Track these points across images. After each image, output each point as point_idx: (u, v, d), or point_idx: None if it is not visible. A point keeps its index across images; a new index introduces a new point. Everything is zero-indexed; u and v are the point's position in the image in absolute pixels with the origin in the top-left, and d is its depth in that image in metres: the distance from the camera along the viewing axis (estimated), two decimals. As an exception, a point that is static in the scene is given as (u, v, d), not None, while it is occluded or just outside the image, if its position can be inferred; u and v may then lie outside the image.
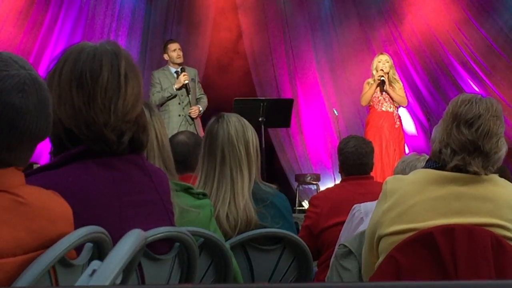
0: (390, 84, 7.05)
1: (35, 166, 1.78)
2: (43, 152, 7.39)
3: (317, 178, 8.33)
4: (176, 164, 2.27)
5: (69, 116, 1.63)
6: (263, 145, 6.97)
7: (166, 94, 6.87)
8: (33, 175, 1.59)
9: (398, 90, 7.08)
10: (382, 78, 6.97)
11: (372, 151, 3.63)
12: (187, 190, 2.25)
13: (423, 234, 1.99)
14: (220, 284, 2.17)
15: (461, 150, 2.02)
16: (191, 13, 9.06)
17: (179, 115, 6.89)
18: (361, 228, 2.65)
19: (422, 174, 2.11)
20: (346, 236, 2.84)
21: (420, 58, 8.93)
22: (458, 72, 8.80)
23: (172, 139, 3.04)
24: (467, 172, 2.03)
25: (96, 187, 1.62)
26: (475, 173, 2.03)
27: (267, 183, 2.69)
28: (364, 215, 2.80)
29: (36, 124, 1.36)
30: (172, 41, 7.33)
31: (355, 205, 2.93)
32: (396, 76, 7.19)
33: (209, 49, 8.99)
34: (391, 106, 7.07)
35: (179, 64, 7.05)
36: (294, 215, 6.50)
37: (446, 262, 1.96)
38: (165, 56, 7.11)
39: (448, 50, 8.80)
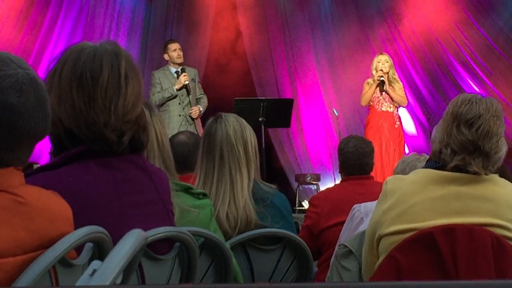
0: (390, 84, 7.06)
1: (35, 166, 1.78)
2: (43, 152, 7.39)
3: (317, 178, 8.33)
4: (176, 164, 2.27)
5: (69, 116, 1.63)
6: (263, 145, 6.97)
7: (167, 95, 6.87)
8: (33, 175, 1.59)
9: (398, 90, 7.09)
10: (382, 78, 6.97)
11: (372, 151, 3.63)
12: (187, 190, 2.25)
13: (423, 234, 1.99)
14: (220, 284, 2.17)
15: (461, 150, 2.03)
16: (191, 13, 9.06)
17: (180, 115, 6.89)
18: (361, 228, 2.65)
19: (422, 174, 2.11)
20: (346, 236, 2.84)
21: (420, 58, 8.93)
22: (458, 72, 8.80)
23: (172, 139, 3.04)
24: (467, 172, 2.04)
25: (96, 187, 1.62)
26: (475, 173, 2.03)
27: (267, 183, 2.69)
28: (364, 215, 2.80)
29: (34, 123, 1.36)
30: (172, 41, 7.33)
31: (355, 205, 2.93)
32: (396, 76, 7.20)
33: (209, 49, 8.99)
34: (391, 106, 7.07)
35: (179, 64, 7.05)
36: (294, 215, 6.50)
37: (446, 262, 1.96)
38: (165, 56, 7.11)
39: (448, 50, 8.80)
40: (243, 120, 2.66)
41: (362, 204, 2.89)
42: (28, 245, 1.31)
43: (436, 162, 2.10)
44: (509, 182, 2.12)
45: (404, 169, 3.04)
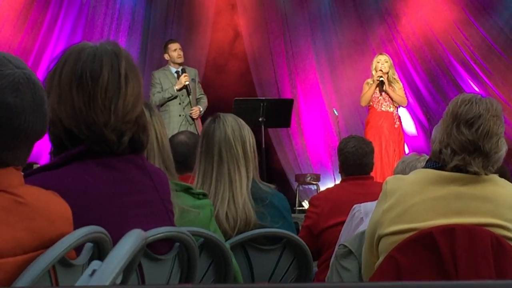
0: (389, 84, 7.06)
1: (35, 166, 1.78)
2: (43, 152, 7.39)
3: (317, 178, 8.33)
4: (176, 164, 2.27)
5: (69, 116, 1.63)
6: (263, 145, 6.98)
7: (167, 95, 6.87)
8: (33, 175, 1.59)
9: (398, 90, 7.09)
10: (381, 78, 6.97)
11: (372, 151, 3.63)
12: (187, 190, 2.25)
13: (423, 234, 1.99)
14: (220, 284, 2.17)
15: (461, 150, 2.03)
16: (191, 13, 9.06)
17: (180, 115, 6.89)
18: (361, 228, 2.65)
19: (422, 174, 2.11)
20: (346, 236, 2.84)
21: (420, 58, 8.93)
22: (458, 72, 8.80)
23: (172, 139, 3.04)
24: (467, 172, 2.04)
25: (96, 187, 1.62)
26: (475, 173, 2.03)
27: (266, 183, 2.69)
28: (364, 215, 2.80)
29: (31, 123, 1.36)
30: (172, 41, 7.34)
31: (355, 205, 2.93)
32: (396, 76, 7.20)
33: (209, 49, 8.99)
34: (391, 106, 7.08)
35: (179, 64, 7.05)
36: (294, 215, 6.50)
37: (446, 262, 1.96)
38: (166, 56, 7.11)
39: (448, 50, 8.80)
40: (241, 120, 2.67)
41: (362, 204, 2.89)
42: (28, 245, 1.31)
43: (436, 162, 2.10)
44: (509, 182, 2.12)
45: (404, 169, 3.04)
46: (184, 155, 2.96)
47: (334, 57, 9.16)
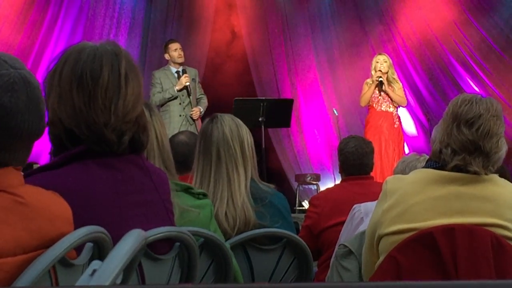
0: (389, 84, 7.05)
1: (35, 166, 1.78)
2: (43, 152, 7.40)
3: (317, 178, 8.33)
4: (176, 164, 2.27)
5: (70, 116, 1.63)
6: (263, 145, 6.98)
7: (167, 95, 6.87)
8: (33, 175, 1.59)
9: (398, 90, 7.09)
10: (380, 79, 6.97)
11: (372, 151, 3.63)
12: (187, 190, 2.25)
13: (423, 234, 1.99)
14: (220, 284, 2.17)
15: (461, 150, 2.03)
16: (191, 13, 9.06)
17: (180, 115, 6.89)
18: (361, 228, 2.65)
19: (422, 174, 2.11)
20: (346, 236, 2.84)
21: (420, 58, 8.93)
22: (458, 72, 8.80)
23: (172, 139, 3.04)
24: (467, 172, 2.04)
25: (96, 187, 1.62)
26: (475, 173, 2.03)
27: (265, 183, 2.69)
28: (364, 215, 2.80)
29: (28, 123, 1.36)
30: (173, 40, 7.34)
31: (355, 205, 2.93)
32: (395, 76, 7.20)
33: (209, 49, 8.99)
34: (391, 106, 7.08)
35: (180, 64, 7.05)
36: (294, 215, 6.50)
37: (446, 262, 1.96)
38: (166, 56, 7.11)
39: (448, 50, 8.80)
40: (238, 120, 2.67)
41: (362, 204, 2.89)
42: (28, 245, 1.31)
43: (436, 162, 2.10)
44: (509, 182, 2.12)
45: (404, 169, 3.04)
46: (184, 155, 2.96)
47: (334, 57, 9.16)
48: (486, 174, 2.04)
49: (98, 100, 1.63)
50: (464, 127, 2.03)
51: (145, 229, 1.57)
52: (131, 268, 1.53)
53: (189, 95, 6.90)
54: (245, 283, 2.41)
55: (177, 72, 7.01)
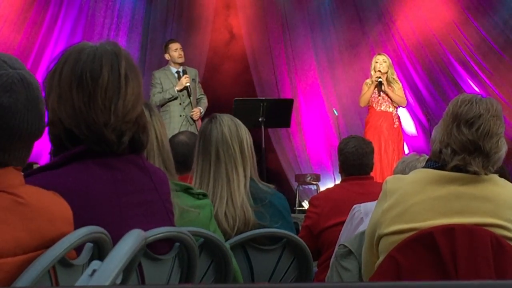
0: (388, 85, 7.05)
1: (35, 166, 1.78)
2: (43, 152, 7.40)
3: (317, 178, 8.33)
4: (176, 164, 2.27)
5: (69, 116, 1.63)
6: (263, 145, 6.98)
7: (167, 96, 6.88)
8: (33, 175, 1.59)
9: (397, 90, 7.08)
10: (380, 79, 6.97)
11: (372, 151, 3.63)
12: (187, 190, 2.25)
13: (423, 234, 1.99)
14: (220, 284, 2.17)
15: (461, 150, 2.03)
16: (191, 13, 9.07)
17: (180, 116, 6.89)
18: (361, 228, 2.65)
19: (422, 173, 2.11)
20: (346, 236, 2.84)
21: (420, 58, 8.93)
22: (458, 72, 8.80)
23: (172, 139, 3.04)
24: (467, 172, 2.04)
25: (96, 187, 1.62)
26: (475, 173, 2.03)
27: (265, 183, 2.69)
28: (364, 215, 2.80)
29: (27, 123, 1.36)
30: (173, 40, 7.34)
31: (355, 205, 2.93)
32: (395, 76, 7.19)
33: (209, 49, 9.00)
34: (390, 106, 7.08)
35: (180, 64, 7.05)
36: (294, 215, 6.50)
37: (446, 262, 1.96)
38: (166, 56, 7.11)
39: (448, 50, 8.80)
40: (237, 120, 2.67)
41: (362, 204, 2.89)
42: (28, 245, 1.31)
43: (436, 162, 2.10)
44: (508, 182, 2.12)
45: (403, 170, 3.04)
46: (184, 155, 2.96)
47: (334, 57, 9.16)
48: (486, 174, 2.04)
49: (98, 100, 1.63)
50: (464, 127, 2.03)
51: (145, 229, 1.57)
52: (131, 268, 1.53)
53: (189, 95, 6.91)
54: (245, 283, 2.41)
55: (177, 72, 7.01)
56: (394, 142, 7.07)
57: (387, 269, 2.04)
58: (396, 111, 7.14)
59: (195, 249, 1.80)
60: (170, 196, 1.83)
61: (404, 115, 8.21)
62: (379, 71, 7.00)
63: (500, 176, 2.12)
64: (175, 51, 7.02)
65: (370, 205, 2.66)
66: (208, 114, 2.74)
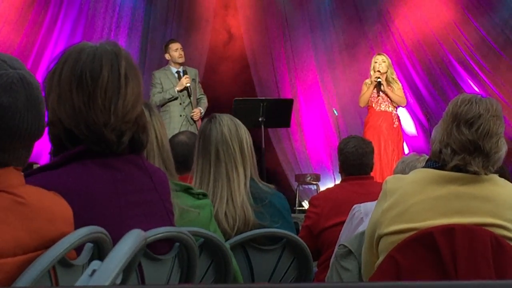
0: (388, 85, 7.05)
1: (35, 166, 1.78)
2: (43, 152, 7.40)
3: (317, 178, 8.33)
4: (176, 164, 2.27)
5: (69, 116, 1.63)
6: (263, 145, 6.98)
7: (168, 96, 6.88)
8: (33, 175, 1.59)
9: (397, 90, 7.08)
10: (379, 79, 6.97)
11: (372, 151, 3.63)
12: (187, 190, 2.25)
13: (423, 234, 1.99)
14: (220, 284, 2.17)
15: (461, 150, 2.03)
16: (191, 13, 9.07)
17: (180, 116, 6.90)
18: (361, 228, 2.65)
19: (422, 173, 2.11)
20: (346, 236, 2.84)
21: (420, 58, 8.93)
22: (458, 71, 8.80)
23: (172, 139, 3.04)
24: (467, 172, 2.04)
25: (96, 187, 1.62)
26: (475, 173, 2.03)
27: (265, 183, 2.69)
28: (364, 215, 2.80)
29: (26, 123, 1.36)
30: (173, 40, 7.34)
31: (355, 205, 2.93)
32: (395, 76, 7.19)
33: (209, 49, 9.00)
34: (390, 106, 7.07)
35: (180, 64, 7.06)
36: (294, 215, 6.50)
37: (446, 262, 1.96)
38: (167, 56, 7.11)
39: (447, 49, 8.80)
40: (237, 120, 2.67)
41: (362, 204, 2.89)
42: (28, 245, 1.31)
43: (436, 162, 2.10)
44: (508, 182, 2.12)
45: (403, 170, 3.04)
46: (184, 155, 2.95)
47: (334, 57, 9.16)
48: (485, 174, 2.04)
49: (97, 100, 1.63)
50: (464, 127, 2.03)
51: (145, 229, 1.57)
52: (131, 268, 1.53)
53: (189, 95, 6.91)
54: (245, 283, 2.41)
55: (178, 72, 7.02)
56: (394, 142, 7.07)
57: (387, 269, 2.04)
58: (396, 111, 7.14)
59: (195, 249, 1.80)
60: (170, 196, 1.83)
61: (404, 115, 8.21)
62: (378, 71, 7.00)
63: (500, 176, 2.12)
64: (176, 51, 7.03)
65: (370, 205, 2.66)
66: (208, 114, 2.74)
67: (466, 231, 1.98)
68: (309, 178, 8.35)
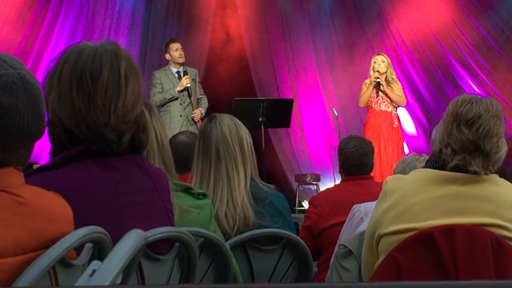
0: (388, 85, 7.05)
1: (35, 166, 1.78)
2: (43, 152, 7.39)
3: (317, 178, 8.33)
4: (176, 164, 2.27)
5: (69, 116, 1.63)
6: (263, 145, 6.98)
7: (168, 96, 6.88)
8: (33, 175, 1.59)
9: (397, 90, 7.08)
10: (378, 79, 6.97)
11: (372, 151, 3.63)
12: (187, 191, 2.25)
13: (423, 234, 1.99)
14: (220, 284, 2.17)
15: (461, 150, 2.03)
16: (191, 13, 9.07)
17: (181, 116, 6.90)
18: (361, 228, 2.65)
19: (422, 173, 2.11)
20: (346, 236, 2.84)
21: (420, 58, 8.93)
22: (458, 72, 8.80)
23: (172, 139, 3.04)
24: (467, 172, 2.04)
25: (96, 187, 1.62)
26: (475, 173, 2.03)
27: (265, 183, 2.69)
28: (364, 215, 2.80)
29: (27, 123, 1.36)
30: (174, 40, 7.35)
31: (355, 205, 2.93)
32: (394, 76, 7.19)
33: (209, 49, 9.00)
34: (390, 106, 7.07)
35: (180, 64, 7.06)
36: (294, 215, 6.50)
37: (446, 262, 1.96)
38: (167, 56, 7.11)
39: (448, 49, 8.80)
40: (237, 120, 2.68)
41: (362, 204, 2.89)
42: (28, 245, 1.31)
43: (436, 162, 2.10)
44: (508, 182, 2.12)
45: (404, 170, 3.04)
46: (184, 155, 2.95)
47: (334, 57, 9.16)
48: (486, 174, 2.05)
49: (97, 100, 1.63)
50: (464, 127, 2.03)
51: (145, 229, 1.57)
52: (131, 268, 1.53)
53: (190, 96, 6.91)
54: (245, 283, 2.41)
55: (178, 72, 7.02)
56: (394, 142, 7.07)
57: (387, 269, 2.04)
58: (396, 111, 7.14)
59: (195, 249, 1.80)
60: (170, 196, 1.83)
61: (404, 115, 8.21)
62: (378, 71, 7.00)
63: (500, 176, 2.12)
64: (176, 51, 7.03)
65: (370, 205, 2.66)
66: (208, 114, 2.74)
67: (466, 231, 1.98)
68: (309, 178, 8.35)
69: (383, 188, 2.15)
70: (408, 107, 8.15)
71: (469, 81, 8.72)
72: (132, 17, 8.97)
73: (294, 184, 8.51)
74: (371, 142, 3.74)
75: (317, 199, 3.61)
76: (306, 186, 8.51)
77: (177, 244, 1.77)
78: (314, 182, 8.33)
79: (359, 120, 8.49)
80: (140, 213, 1.69)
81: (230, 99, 7.03)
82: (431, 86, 8.91)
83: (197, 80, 7.20)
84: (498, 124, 2.04)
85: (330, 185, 7.45)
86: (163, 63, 7.44)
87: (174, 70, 7.05)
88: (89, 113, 1.62)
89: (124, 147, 1.67)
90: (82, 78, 1.63)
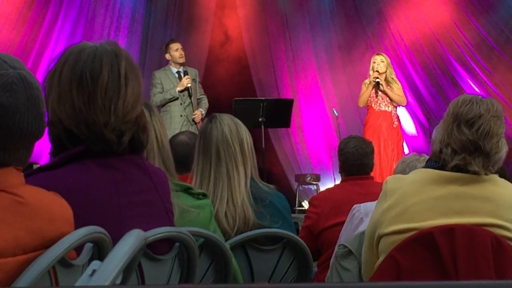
0: (388, 85, 7.05)
1: (35, 166, 1.78)
2: (43, 152, 7.39)
3: (317, 178, 8.33)
4: (176, 164, 2.27)
5: (69, 116, 1.63)
6: (263, 145, 6.98)
7: (168, 96, 6.88)
8: (33, 175, 1.59)
9: (396, 90, 7.08)
10: (377, 79, 6.97)
11: (372, 151, 3.63)
12: (187, 191, 2.25)
13: (423, 234, 1.99)
14: (220, 284, 2.17)
15: (461, 150, 2.03)
16: (191, 13, 9.07)
17: (181, 116, 6.90)
18: (361, 228, 2.65)
19: (422, 173, 2.11)
20: (346, 236, 2.84)
21: (420, 57, 8.93)
22: (458, 72, 8.80)
23: (173, 139, 3.04)
24: (467, 172, 2.04)
25: (96, 187, 1.62)
26: (475, 173, 2.03)
27: (265, 183, 2.69)
28: (364, 215, 2.80)
29: (27, 123, 1.36)
30: (174, 40, 7.35)
31: (355, 205, 2.93)
32: (394, 76, 7.19)
33: (209, 49, 9.00)
34: (389, 105, 7.07)
35: (180, 64, 7.06)
36: (294, 215, 6.51)
37: (446, 262, 1.96)
38: (167, 56, 7.11)
39: (448, 49, 8.80)
40: (237, 120, 2.68)
41: (362, 204, 2.89)
42: (28, 245, 1.31)
43: (436, 162, 2.10)
44: (509, 182, 2.12)
45: (404, 170, 3.04)
46: (184, 155, 2.95)
47: (334, 57, 9.16)
48: (486, 174, 2.05)
49: (97, 100, 1.63)
50: (464, 127, 2.03)
51: (145, 229, 1.57)
52: (131, 268, 1.53)
53: (190, 96, 6.91)
54: (245, 283, 2.41)
55: (178, 72, 7.02)
56: (394, 142, 7.07)
57: (387, 269, 2.04)
58: (395, 110, 7.14)
59: (195, 249, 1.80)
60: (170, 196, 1.83)
61: (404, 115, 8.21)
62: (377, 71, 7.00)
63: (501, 176, 2.12)
64: (176, 51, 7.03)
65: (370, 205, 2.66)
66: (208, 114, 2.74)
67: (466, 231, 1.98)
68: (309, 178, 8.35)
69: (383, 188, 2.15)
70: (408, 107, 8.15)
71: (469, 81, 8.71)
72: (132, 17, 8.97)
73: (294, 184, 8.51)
74: (371, 142, 3.74)
75: (317, 199, 3.61)
76: (306, 186, 8.51)
77: (177, 244, 1.77)
78: (314, 182, 8.33)
79: (359, 120, 8.49)
80: (140, 213, 1.69)
81: (230, 99, 7.03)
82: (431, 86, 8.91)
83: (197, 80, 7.21)
84: (498, 124, 2.04)
85: (330, 185, 7.45)
86: (163, 63, 7.44)
87: (174, 70, 7.05)
88: (89, 113, 1.62)
89: (124, 147, 1.67)
90: (82, 78, 1.63)
